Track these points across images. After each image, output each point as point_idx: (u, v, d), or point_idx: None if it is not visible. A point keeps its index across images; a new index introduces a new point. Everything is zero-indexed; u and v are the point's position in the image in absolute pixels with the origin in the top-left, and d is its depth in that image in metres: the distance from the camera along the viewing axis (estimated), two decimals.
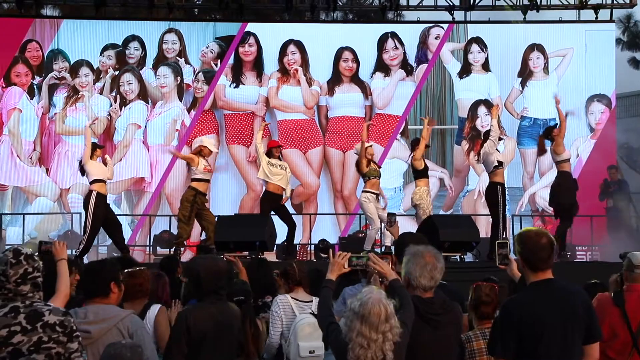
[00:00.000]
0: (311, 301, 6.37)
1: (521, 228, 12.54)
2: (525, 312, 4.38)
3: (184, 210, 12.68)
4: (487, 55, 17.39)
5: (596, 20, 17.54)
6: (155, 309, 5.60)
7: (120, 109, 16.95)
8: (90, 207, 12.02)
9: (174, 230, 15.48)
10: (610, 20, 17.82)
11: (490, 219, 12.53)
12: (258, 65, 17.25)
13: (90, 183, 12.19)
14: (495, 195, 12.14)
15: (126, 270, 5.88)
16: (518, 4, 17.47)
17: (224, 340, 4.98)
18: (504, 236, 11.94)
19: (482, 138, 12.62)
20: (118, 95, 16.99)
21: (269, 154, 12.82)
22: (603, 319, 5.12)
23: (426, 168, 12.90)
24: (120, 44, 17.18)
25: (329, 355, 5.74)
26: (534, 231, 4.69)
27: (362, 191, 12.65)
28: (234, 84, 17.16)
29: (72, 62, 17.03)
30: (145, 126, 16.98)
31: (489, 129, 12.48)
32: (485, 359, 5.36)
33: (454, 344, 4.76)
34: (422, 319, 4.52)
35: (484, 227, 14.95)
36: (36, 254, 3.99)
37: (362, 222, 16.09)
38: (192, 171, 12.78)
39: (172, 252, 12.95)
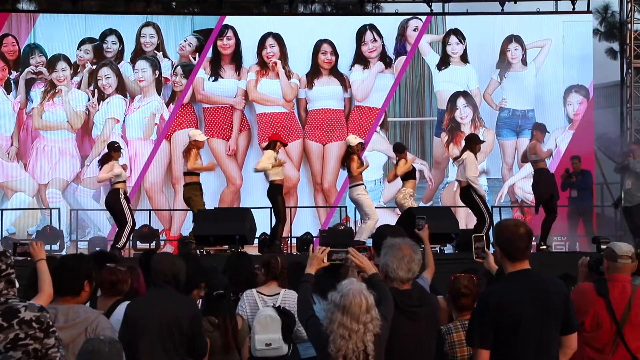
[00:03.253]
0: (277, 294, 6.42)
1: (500, 219, 12.66)
2: (503, 303, 4.40)
3: (199, 205, 12.47)
4: (466, 46, 17.40)
5: (573, 11, 17.57)
6: (124, 305, 5.59)
7: (99, 104, 16.87)
8: (121, 201, 12.02)
9: (154, 225, 15.49)
10: (588, 11, 17.85)
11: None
12: (237, 59, 17.19)
13: (115, 183, 12.09)
14: (471, 199, 12.12)
15: (107, 264, 5.89)
16: None
17: (162, 331, 5.06)
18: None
19: (465, 143, 12.48)
20: (96, 90, 16.90)
21: (272, 146, 12.40)
22: (587, 309, 5.16)
23: (414, 169, 12.91)
24: (97, 38, 17.07)
25: (309, 349, 5.76)
26: (512, 221, 4.76)
27: (354, 185, 12.32)
28: (213, 78, 17.11)
29: (49, 57, 16.91)
30: (124, 120, 16.90)
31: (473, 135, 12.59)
32: (465, 350, 5.39)
33: (431, 335, 4.77)
34: (399, 310, 4.53)
35: (464, 218, 15.00)
36: (9, 251, 3.94)
37: (342, 215, 16.11)
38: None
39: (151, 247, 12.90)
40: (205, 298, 5.94)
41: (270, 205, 12.70)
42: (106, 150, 12.49)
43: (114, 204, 12.11)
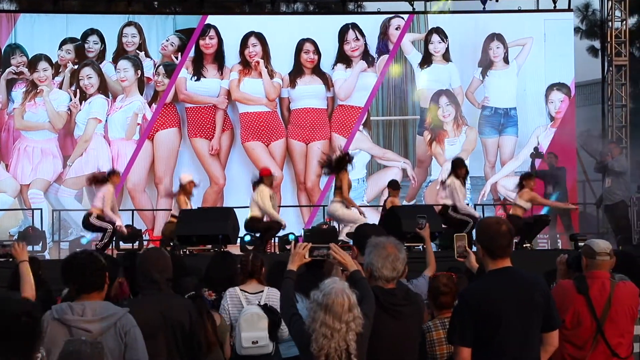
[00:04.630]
0: (261, 292, 6.41)
1: (483, 217, 12.70)
2: (483, 300, 4.41)
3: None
4: (448, 45, 17.42)
5: (554, 10, 17.63)
6: None
7: (81, 104, 16.77)
8: (90, 221, 12.76)
9: (137, 225, 15.40)
10: (569, 9, 17.92)
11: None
12: (219, 58, 17.14)
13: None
14: (448, 217, 12.40)
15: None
16: None
17: (167, 332, 4.98)
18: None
19: (451, 167, 12.93)
20: (78, 90, 16.80)
21: (261, 181, 12.76)
22: (567, 307, 5.17)
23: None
24: (79, 37, 16.97)
25: (291, 348, 5.75)
26: (494, 219, 4.77)
27: (334, 201, 12.67)
28: (195, 77, 17.06)
29: (30, 57, 16.78)
30: (106, 120, 16.82)
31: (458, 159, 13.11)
32: (445, 348, 5.41)
33: (415, 335, 4.77)
34: (383, 309, 4.53)
35: None
36: None
37: (325, 214, 16.08)
38: (176, 206, 13.12)
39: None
40: None
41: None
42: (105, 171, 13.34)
43: (87, 226, 12.99)
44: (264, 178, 12.76)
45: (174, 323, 5.00)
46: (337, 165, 12.45)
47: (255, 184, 12.74)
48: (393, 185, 13.75)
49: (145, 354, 4.46)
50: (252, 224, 12.70)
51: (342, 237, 12.20)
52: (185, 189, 13.12)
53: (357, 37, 17.36)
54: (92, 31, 17.00)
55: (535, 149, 15.27)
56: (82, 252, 5.03)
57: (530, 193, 12.76)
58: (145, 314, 4.92)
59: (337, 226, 14.03)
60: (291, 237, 13.06)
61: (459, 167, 12.61)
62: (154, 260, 5.18)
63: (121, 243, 14.53)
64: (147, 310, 4.97)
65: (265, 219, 12.73)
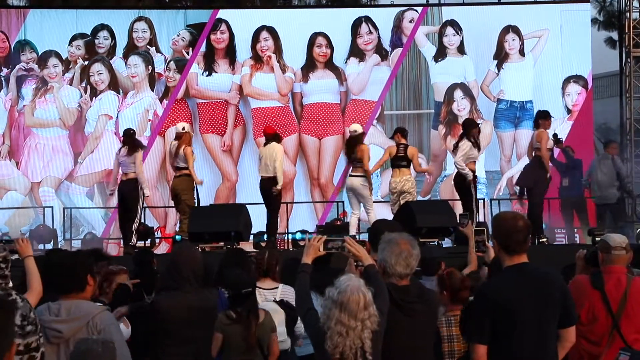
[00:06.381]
0: (276, 288, 6.39)
1: (499, 211, 12.50)
2: (500, 297, 4.38)
3: (191, 200, 12.59)
4: (462, 38, 17.26)
5: (571, 0, 17.46)
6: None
7: (91, 100, 16.72)
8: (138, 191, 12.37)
9: (149, 223, 15.27)
10: (586, 0, 17.74)
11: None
12: (230, 53, 17.04)
13: (133, 172, 12.50)
14: (461, 182, 12.13)
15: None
16: None
17: (199, 327, 5.10)
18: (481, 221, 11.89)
19: (462, 128, 12.56)
20: (88, 86, 16.74)
21: (275, 140, 12.58)
22: (582, 302, 5.13)
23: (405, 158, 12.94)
24: (89, 33, 16.91)
25: (307, 345, 5.64)
26: (511, 214, 4.87)
27: (363, 175, 12.59)
28: (207, 72, 16.95)
29: (40, 53, 16.75)
30: (117, 117, 16.74)
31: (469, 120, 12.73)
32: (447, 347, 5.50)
33: (429, 332, 4.73)
34: (397, 306, 4.49)
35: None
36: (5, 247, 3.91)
37: (339, 210, 15.95)
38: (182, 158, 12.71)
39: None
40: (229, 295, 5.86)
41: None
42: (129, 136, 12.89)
43: (131, 192, 12.40)
44: (276, 136, 12.68)
45: (200, 320, 5.14)
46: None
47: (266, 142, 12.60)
48: (401, 131, 13.17)
49: (124, 351, 4.45)
50: (269, 185, 12.44)
51: (352, 232, 12.11)
52: (182, 138, 12.72)
53: (370, 30, 17.20)
54: (102, 27, 16.95)
55: (555, 135, 15.04)
56: (64, 254, 5.02)
57: (543, 133, 12.36)
58: (176, 310, 5.11)
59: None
60: (299, 235, 13.00)
61: (470, 127, 12.27)
62: (186, 256, 5.31)
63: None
64: (177, 306, 5.13)
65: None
